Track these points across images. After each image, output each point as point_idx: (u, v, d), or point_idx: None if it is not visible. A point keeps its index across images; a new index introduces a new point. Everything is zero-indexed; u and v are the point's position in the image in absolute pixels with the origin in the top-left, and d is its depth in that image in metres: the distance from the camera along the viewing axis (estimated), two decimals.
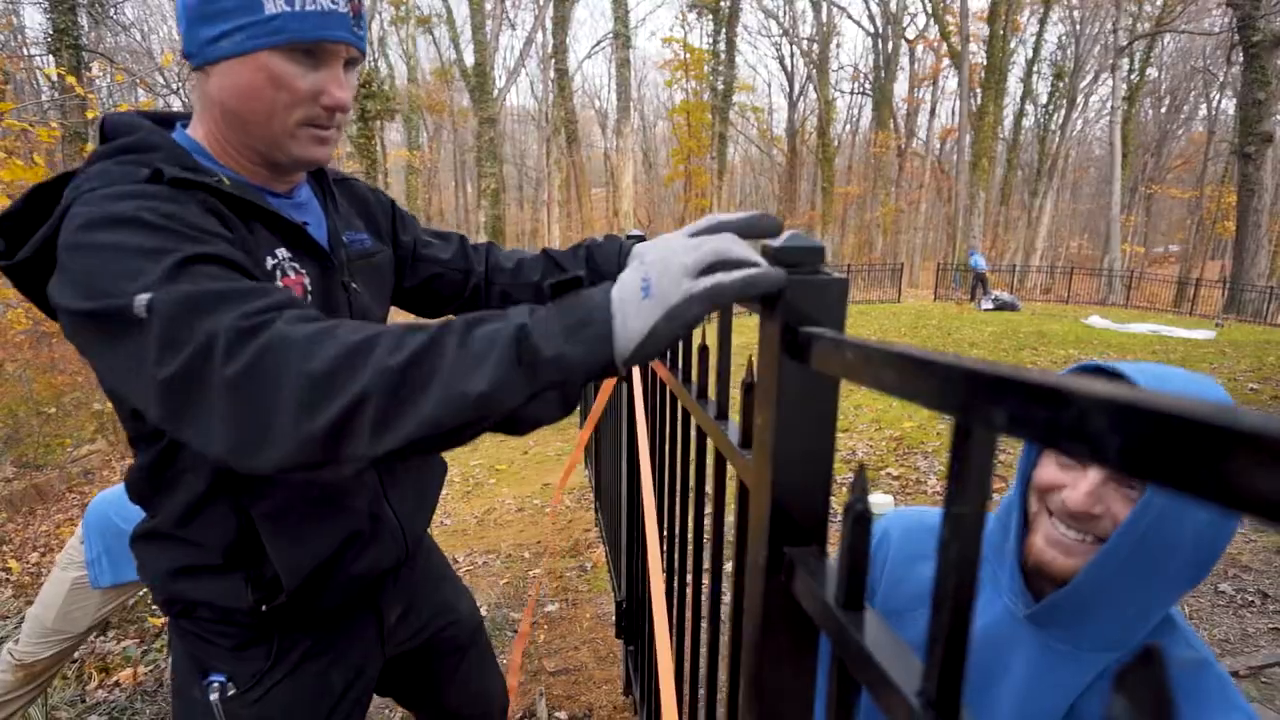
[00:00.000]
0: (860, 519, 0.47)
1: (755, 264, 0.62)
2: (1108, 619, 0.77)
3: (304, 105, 0.91)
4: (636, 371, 1.85)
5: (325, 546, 1.05)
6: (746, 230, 0.70)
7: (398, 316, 0.95)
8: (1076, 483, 0.78)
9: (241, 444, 0.67)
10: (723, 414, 1.02)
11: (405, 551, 1.20)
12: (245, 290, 0.73)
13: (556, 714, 2.55)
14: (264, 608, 1.04)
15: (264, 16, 0.85)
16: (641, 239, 2.06)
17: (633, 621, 2.34)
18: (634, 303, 0.62)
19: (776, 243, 0.61)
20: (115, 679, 2.92)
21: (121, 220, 0.78)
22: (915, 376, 0.37)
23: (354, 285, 1.10)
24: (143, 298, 0.71)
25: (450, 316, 0.72)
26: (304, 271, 0.99)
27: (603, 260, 1.28)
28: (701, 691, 1.33)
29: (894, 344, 0.41)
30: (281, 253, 0.97)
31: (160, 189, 0.84)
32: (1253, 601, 3.08)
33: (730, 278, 0.60)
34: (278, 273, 0.96)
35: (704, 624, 1.24)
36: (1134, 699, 0.22)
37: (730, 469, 0.95)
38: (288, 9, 0.86)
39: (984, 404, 0.30)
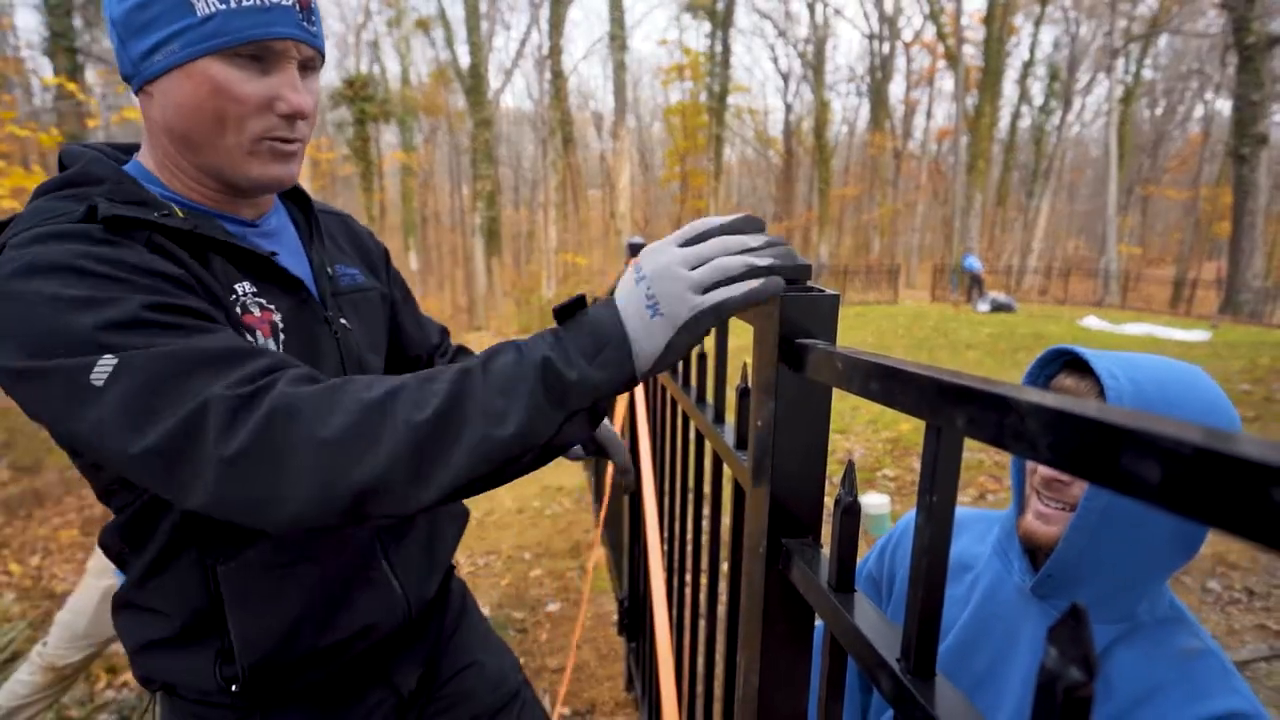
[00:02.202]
0: (849, 511, 0.53)
1: (754, 272, 0.65)
2: (1100, 587, 0.83)
3: (257, 115, 0.82)
4: None
5: (291, 615, 0.92)
6: (734, 232, 0.70)
7: None
8: None
9: (246, 507, 0.63)
10: (719, 417, 1.07)
11: (408, 615, 1.05)
12: (230, 351, 0.68)
13: (559, 710, 2.60)
14: (234, 688, 0.92)
15: (197, 19, 0.76)
16: (643, 247, 2.11)
17: (634, 619, 2.39)
18: (644, 322, 0.64)
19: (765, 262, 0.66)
20: (123, 679, 2.98)
21: (58, 267, 0.70)
22: (895, 385, 0.42)
23: (342, 320, 1.00)
24: (106, 361, 0.65)
25: (459, 363, 0.68)
26: (271, 307, 0.89)
27: None
28: (699, 687, 1.38)
29: (877, 355, 0.46)
30: (245, 287, 0.87)
31: (95, 229, 0.75)
32: (1239, 599, 3.14)
33: (734, 293, 0.63)
34: (239, 309, 0.85)
35: (702, 621, 1.29)
36: (1063, 650, 0.27)
37: (726, 469, 1.00)
38: (222, 7, 0.77)
39: (949, 410, 0.36)
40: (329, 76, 30.70)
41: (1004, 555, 0.95)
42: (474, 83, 24.13)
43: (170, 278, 0.75)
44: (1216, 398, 0.80)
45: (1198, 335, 11.72)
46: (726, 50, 27.78)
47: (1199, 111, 37.19)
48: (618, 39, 24.86)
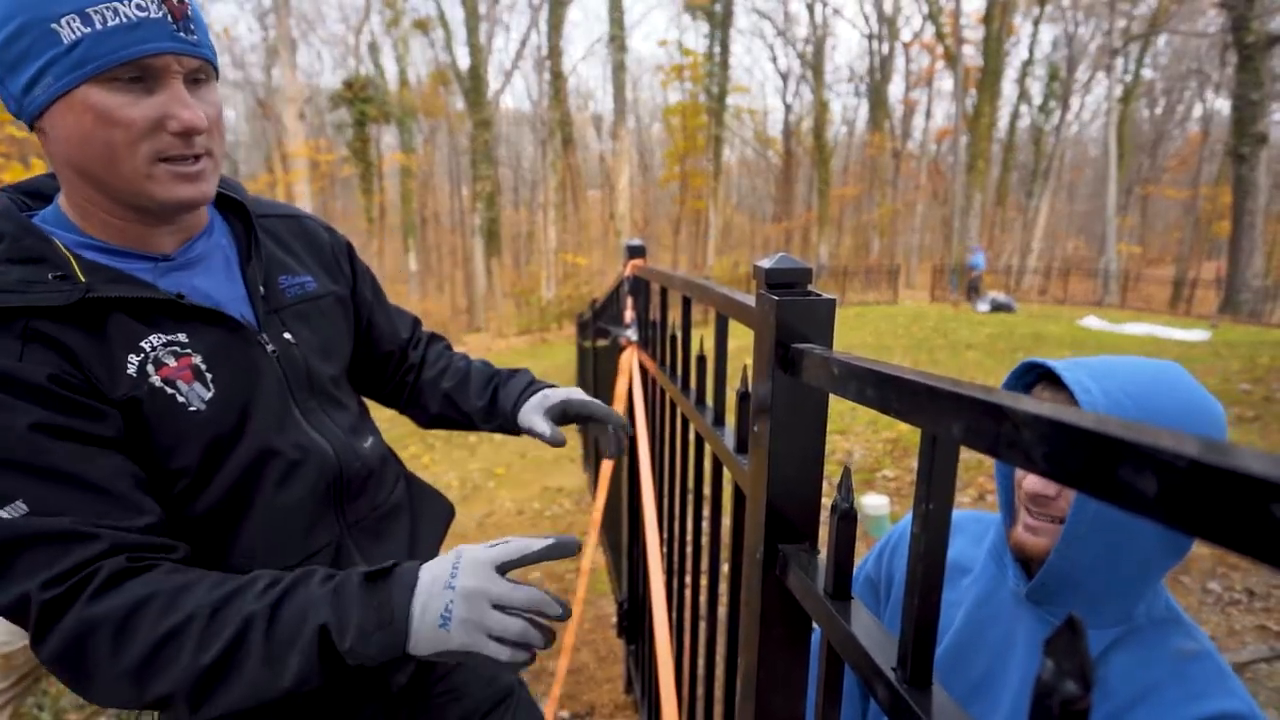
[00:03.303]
0: (846, 517, 0.53)
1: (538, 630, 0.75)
2: (1094, 593, 0.83)
3: (148, 138, 0.79)
4: (637, 377, 1.90)
5: None
6: (550, 558, 0.77)
7: None
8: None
9: (70, 687, 0.73)
10: (719, 420, 1.07)
11: None
12: (55, 535, 0.71)
13: (559, 713, 2.59)
14: None
15: (64, 47, 0.73)
16: (641, 249, 2.11)
17: (634, 622, 2.39)
18: (431, 627, 0.71)
19: (768, 263, 0.66)
20: None
21: None
22: (890, 392, 0.42)
23: (286, 335, 0.98)
24: None
25: (264, 583, 0.75)
26: (189, 350, 0.86)
27: (504, 398, 1.27)
28: (699, 690, 1.38)
29: (873, 361, 0.46)
30: (154, 340, 0.84)
31: None
32: (1239, 600, 3.14)
33: (500, 656, 0.72)
34: (149, 368, 0.83)
35: (702, 623, 1.29)
36: (1060, 663, 0.27)
37: (727, 471, 1.00)
38: (88, 31, 0.73)
39: (945, 418, 0.35)
40: (329, 78, 30.62)
41: (999, 560, 0.95)
42: (473, 84, 24.14)
43: (33, 388, 0.74)
44: (1197, 397, 0.79)
45: (1197, 335, 11.71)
46: (726, 51, 27.76)
47: (1198, 111, 37.20)
48: (617, 39, 24.86)
